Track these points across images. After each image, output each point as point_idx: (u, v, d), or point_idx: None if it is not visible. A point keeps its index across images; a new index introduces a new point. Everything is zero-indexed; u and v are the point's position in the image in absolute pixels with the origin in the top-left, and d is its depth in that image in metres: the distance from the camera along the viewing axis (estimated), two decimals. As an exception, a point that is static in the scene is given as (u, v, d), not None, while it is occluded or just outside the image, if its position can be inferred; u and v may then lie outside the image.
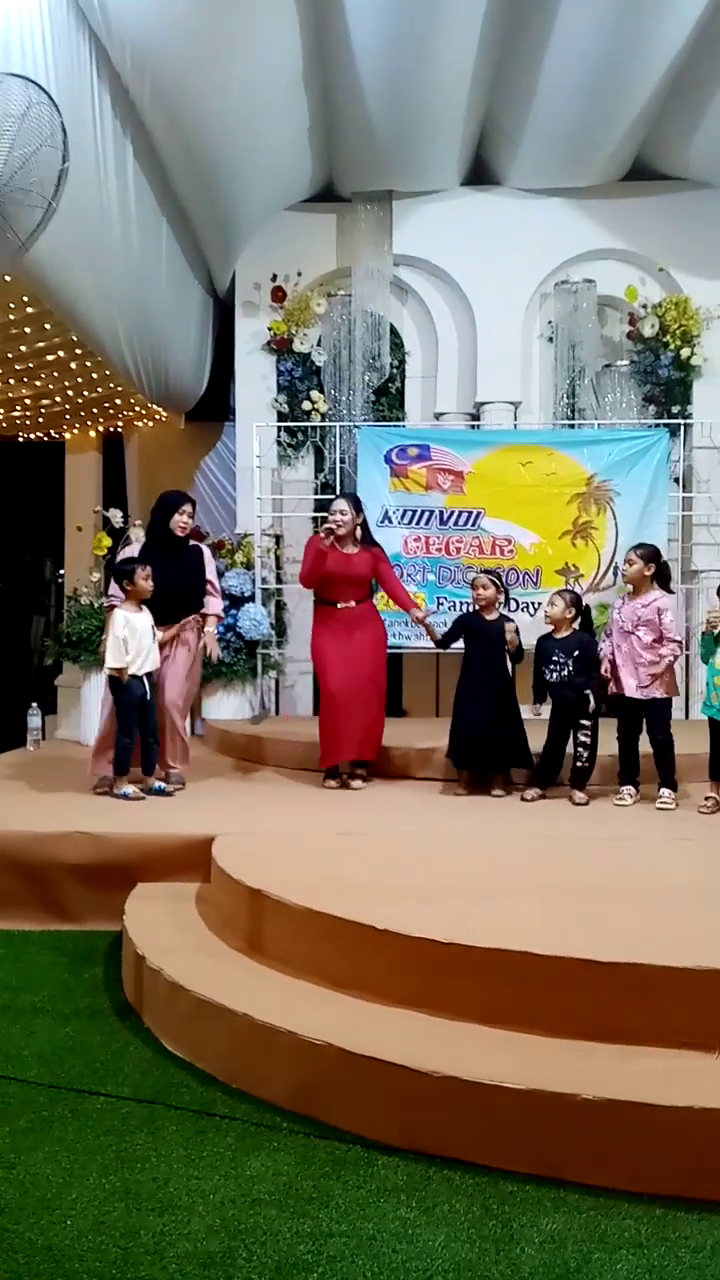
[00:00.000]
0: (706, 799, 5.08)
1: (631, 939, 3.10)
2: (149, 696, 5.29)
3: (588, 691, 5.26)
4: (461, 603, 6.64)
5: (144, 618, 5.28)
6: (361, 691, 5.51)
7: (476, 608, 5.61)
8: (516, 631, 5.46)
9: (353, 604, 5.60)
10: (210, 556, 5.76)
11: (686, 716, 7.25)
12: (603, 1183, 2.50)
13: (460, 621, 5.72)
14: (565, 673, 5.30)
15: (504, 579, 6.01)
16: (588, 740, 5.31)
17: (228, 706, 7.29)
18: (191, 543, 5.66)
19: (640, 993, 2.86)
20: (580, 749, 5.32)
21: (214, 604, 5.69)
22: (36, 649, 9.88)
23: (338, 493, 6.79)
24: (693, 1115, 2.49)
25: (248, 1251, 2.25)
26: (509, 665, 5.52)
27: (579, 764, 5.34)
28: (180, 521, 5.49)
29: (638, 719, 5.27)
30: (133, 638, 5.20)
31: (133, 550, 5.60)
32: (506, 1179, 2.53)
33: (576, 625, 5.41)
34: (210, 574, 5.67)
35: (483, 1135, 2.60)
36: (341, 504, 5.60)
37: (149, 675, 5.29)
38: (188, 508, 5.55)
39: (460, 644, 5.67)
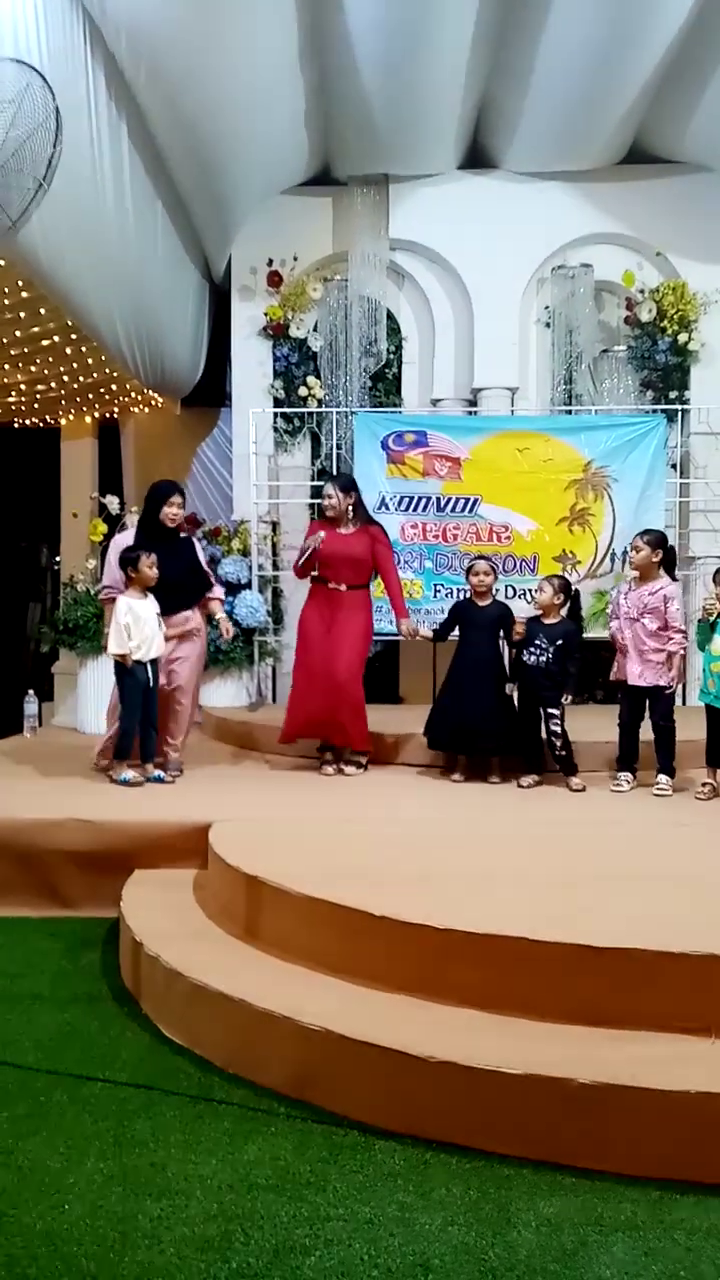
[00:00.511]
0: (703, 785, 5.09)
1: (628, 924, 3.10)
2: (153, 684, 5.29)
3: (566, 695, 5.28)
4: (459, 589, 6.62)
5: (148, 605, 5.27)
6: (342, 676, 5.44)
7: (471, 595, 5.61)
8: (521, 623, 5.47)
9: (343, 587, 5.54)
10: (200, 547, 5.76)
11: (684, 703, 7.24)
12: (599, 1166, 2.51)
13: (455, 610, 5.71)
14: (544, 659, 5.30)
15: (497, 565, 6.01)
16: (558, 729, 5.31)
17: (225, 693, 7.28)
18: (182, 534, 5.65)
19: (637, 978, 2.87)
20: (554, 739, 5.32)
21: (217, 589, 5.71)
22: (33, 636, 9.87)
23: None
24: (689, 1099, 2.50)
25: (245, 1235, 2.26)
26: (506, 651, 5.52)
27: (558, 754, 5.34)
28: (170, 513, 5.44)
29: (640, 705, 5.27)
30: (136, 625, 5.19)
31: (127, 537, 5.58)
32: (503, 1163, 2.54)
33: (564, 612, 5.41)
34: (204, 564, 5.68)
35: (480, 1120, 2.61)
36: (328, 487, 5.60)
37: (153, 662, 5.28)
38: (177, 498, 5.48)
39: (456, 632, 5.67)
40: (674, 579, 5.33)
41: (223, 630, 5.64)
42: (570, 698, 5.31)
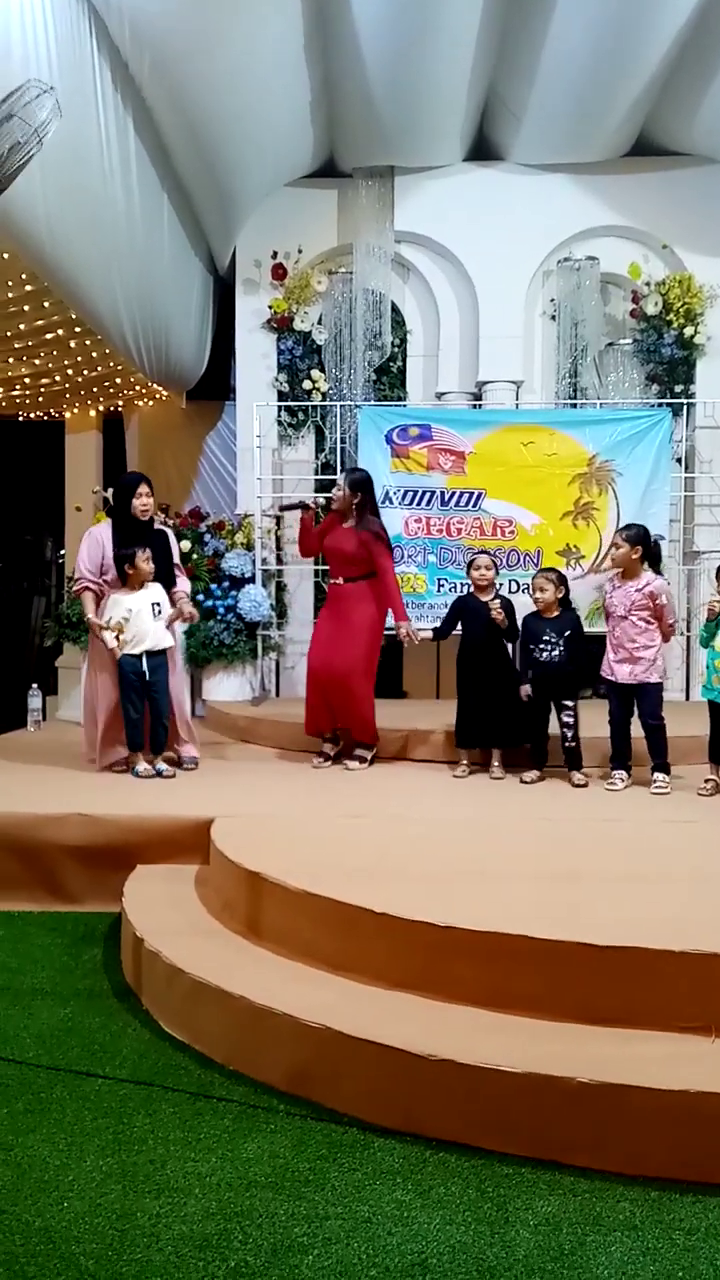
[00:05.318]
0: (706, 781, 5.07)
1: (630, 922, 3.09)
2: (149, 676, 5.30)
3: (578, 687, 5.32)
4: (462, 584, 6.61)
5: (142, 598, 5.30)
6: (339, 672, 5.51)
7: (472, 589, 5.61)
8: (502, 608, 5.44)
9: (340, 581, 5.64)
10: (174, 539, 5.74)
11: (687, 698, 7.24)
12: (598, 1165, 2.51)
13: (456, 605, 5.71)
14: (556, 653, 5.29)
15: (500, 559, 6.01)
16: (570, 720, 5.33)
17: (228, 688, 7.28)
18: (157, 526, 5.63)
19: (638, 976, 2.86)
20: (565, 730, 5.33)
21: (182, 582, 5.65)
22: (37, 629, 9.89)
23: (339, 472, 6.72)
24: (689, 1099, 2.49)
25: (243, 1234, 2.26)
26: (505, 644, 5.53)
27: (568, 745, 5.35)
28: (139, 505, 5.41)
29: (629, 702, 5.25)
30: (133, 619, 5.25)
31: (100, 530, 5.55)
32: (502, 1162, 2.54)
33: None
34: (176, 558, 5.67)
35: (479, 1118, 2.61)
36: (341, 478, 5.68)
37: (149, 654, 5.30)
38: (144, 489, 5.44)
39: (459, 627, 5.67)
40: (659, 573, 5.31)
41: (185, 615, 5.53)
42: (588, 690, 5.34)
